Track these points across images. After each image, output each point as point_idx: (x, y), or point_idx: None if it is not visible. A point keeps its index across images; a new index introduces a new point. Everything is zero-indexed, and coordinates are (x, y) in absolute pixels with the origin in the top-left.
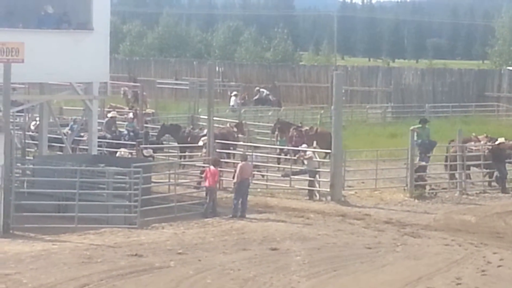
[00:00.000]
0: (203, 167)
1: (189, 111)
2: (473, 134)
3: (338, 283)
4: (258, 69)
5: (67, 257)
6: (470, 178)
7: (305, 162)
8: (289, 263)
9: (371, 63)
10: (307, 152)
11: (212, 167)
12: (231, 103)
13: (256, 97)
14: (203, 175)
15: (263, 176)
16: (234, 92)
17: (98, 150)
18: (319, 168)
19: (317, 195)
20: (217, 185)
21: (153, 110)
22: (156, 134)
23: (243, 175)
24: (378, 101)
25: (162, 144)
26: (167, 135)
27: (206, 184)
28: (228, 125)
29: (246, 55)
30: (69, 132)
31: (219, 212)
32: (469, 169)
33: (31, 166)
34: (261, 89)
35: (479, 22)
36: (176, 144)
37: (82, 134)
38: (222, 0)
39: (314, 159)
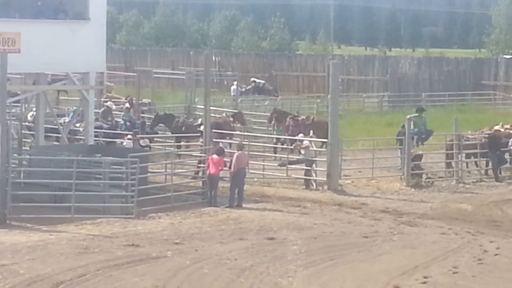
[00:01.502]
0: (200, 156)
1: (186, 101)
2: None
3: (335, 272)
4: (255, 58)
5: (64, 248)
6: (469, 166)
7: (302, 151)
8: (285, 252)
9: (368, 52)
10: (304, 142)
11: (215, 156)
12: (232, 93)
13: (248, 87)
14: (201, 164)
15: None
16: (235, 82)
17: (95, 140)
18: (315, 157)
19: (314, 184)
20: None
21: (150, 100)
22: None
23: (239, 165)
24: (374, 90)
25: (157, 133)
26: (161, 124)
27: (208, 172)
28: (224, 114)
29: (242, 44)
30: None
31: (218, 201)
32: (471, 158)
33: (28, 156)
34: (257, 80)
35: (475, 10)
36: (171, 134)
37: (77, 124)
38: None
39: (311, 149)
